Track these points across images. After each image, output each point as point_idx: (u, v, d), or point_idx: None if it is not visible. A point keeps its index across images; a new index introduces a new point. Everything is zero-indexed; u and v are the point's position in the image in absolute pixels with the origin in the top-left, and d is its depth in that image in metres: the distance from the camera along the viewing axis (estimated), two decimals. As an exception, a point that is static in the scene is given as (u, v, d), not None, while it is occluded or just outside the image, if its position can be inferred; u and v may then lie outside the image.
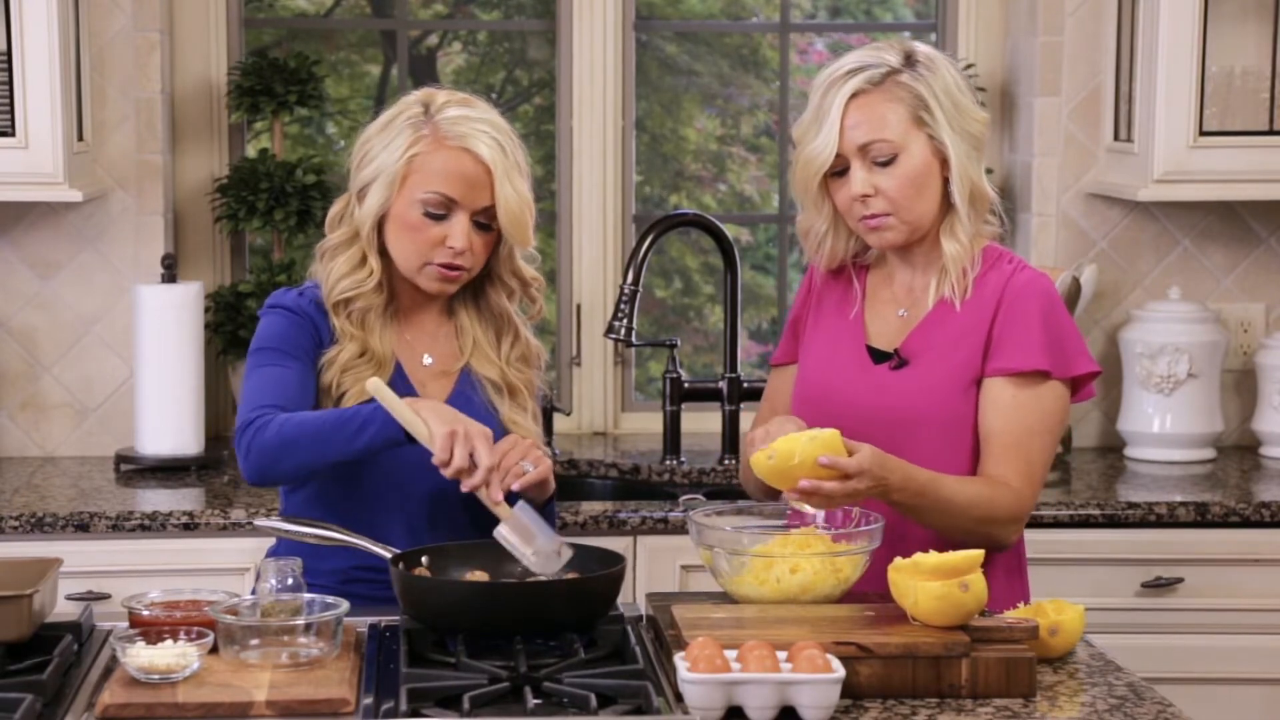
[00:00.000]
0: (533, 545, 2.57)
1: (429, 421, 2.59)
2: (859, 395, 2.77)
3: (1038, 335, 2.71)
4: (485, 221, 2.77)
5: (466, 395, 2.82)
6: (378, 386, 2.61)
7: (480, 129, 2.76)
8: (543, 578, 2.56)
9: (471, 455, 2.57)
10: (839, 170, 2.73)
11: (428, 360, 2.84)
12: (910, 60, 2.73)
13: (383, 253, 2.80)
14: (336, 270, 2.79)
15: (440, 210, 2.74)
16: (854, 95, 2.70)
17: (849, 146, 2.71)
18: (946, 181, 2.74)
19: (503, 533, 2.57)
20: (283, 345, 2.77)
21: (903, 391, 2.74)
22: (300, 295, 2.83)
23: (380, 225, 2.79)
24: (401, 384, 2.79)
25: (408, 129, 2.76)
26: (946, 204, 2.75)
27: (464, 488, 2.58)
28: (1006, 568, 2.77)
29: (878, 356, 2.78)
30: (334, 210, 2.85)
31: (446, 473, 2.58)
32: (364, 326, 2.78)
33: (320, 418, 2.66)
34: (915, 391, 2.73)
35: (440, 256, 2.75)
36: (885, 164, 2.70)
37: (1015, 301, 2.73)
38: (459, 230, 2.75)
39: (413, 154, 2.75)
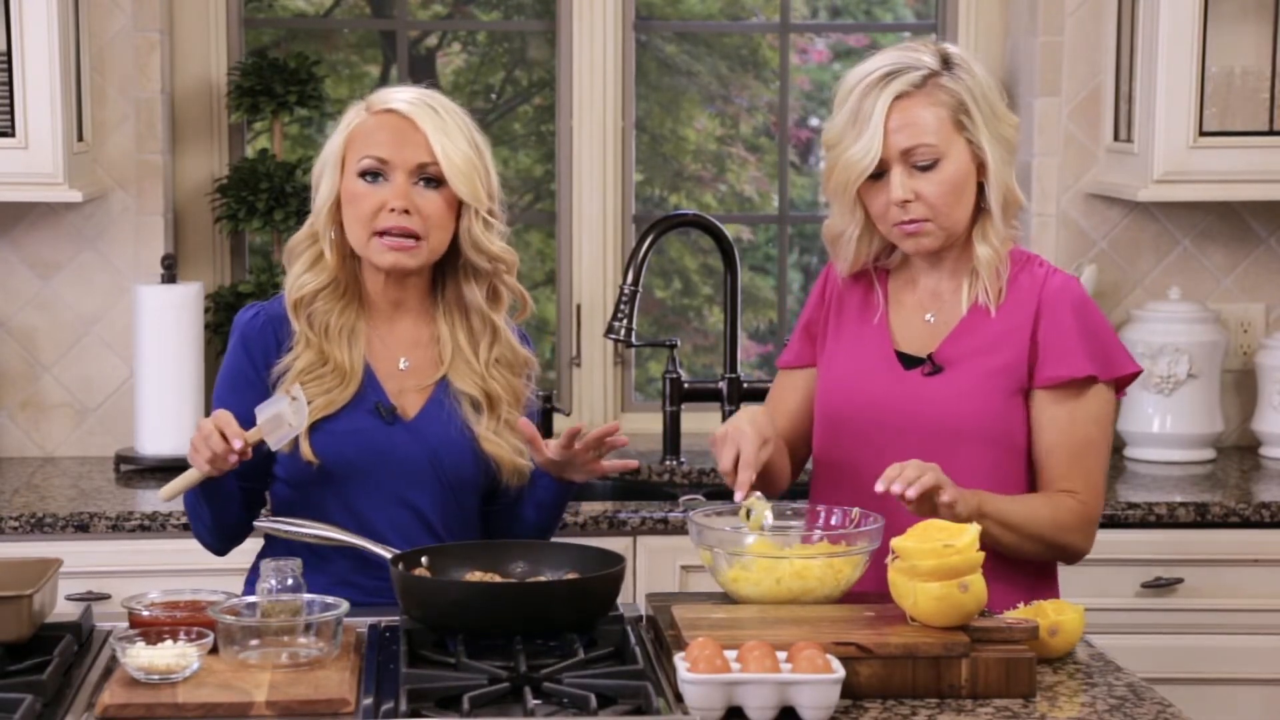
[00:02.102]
0: (281, 420, 2.64)
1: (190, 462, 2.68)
2: (893, 403, 2.73)
3: (1082, 341, 2.69)
4: (431, 177, 2.73)
5: (444, 409, 2.79)
6: (166, 494, 2.71)
7: (407, 96, 2.77)
8: (543, 577, 2.56)
9: (219, 437, 2.62)
10: (875, 174, 2.69)
11: (404, 364, 2.81)
12: (947, 62, 2.69)
13: (352, 255, 2.79)
14: (295, 270, 2.79)
15: (374, 170, 2.73)
16: (896, 98, 2.66)
17: (891, 151, 2.67)
18: (980, 186, 2.72)
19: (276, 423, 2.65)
20: (231, 394, 2.77)
21: (940, 398, 2.71)
22: (256, 316, 2.82)
23: (339, 220, 2.77)
24: (373, 392, 2.77)
25: (347, 117, 2.80)
26: (978, 208, 2.73)
27: (213, 467, 2.64)
28: (1039, 568, 2.77)
29: (908, 362, 2.76)
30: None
31: (208, 468, 2.63)
32: (325, 334, 2.76)
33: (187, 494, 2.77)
34: (953, 398, 2.71)
35: (382, 222, 2.72)
36: (926, 169, 2.67)
37: (1054, 308, 2.70)
38: (395, 190, 2.71)
39: (349, 132, 2.77)
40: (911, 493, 2.50)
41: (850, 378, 2.79)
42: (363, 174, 2.73)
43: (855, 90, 2.69)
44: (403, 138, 2.73)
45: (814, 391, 2.86)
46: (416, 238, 2.72)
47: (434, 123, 2.73)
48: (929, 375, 2.73)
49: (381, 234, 2.72)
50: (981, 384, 2.70)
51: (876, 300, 2.82)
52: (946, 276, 2.78)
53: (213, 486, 2.70)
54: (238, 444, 2.60)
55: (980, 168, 2.70)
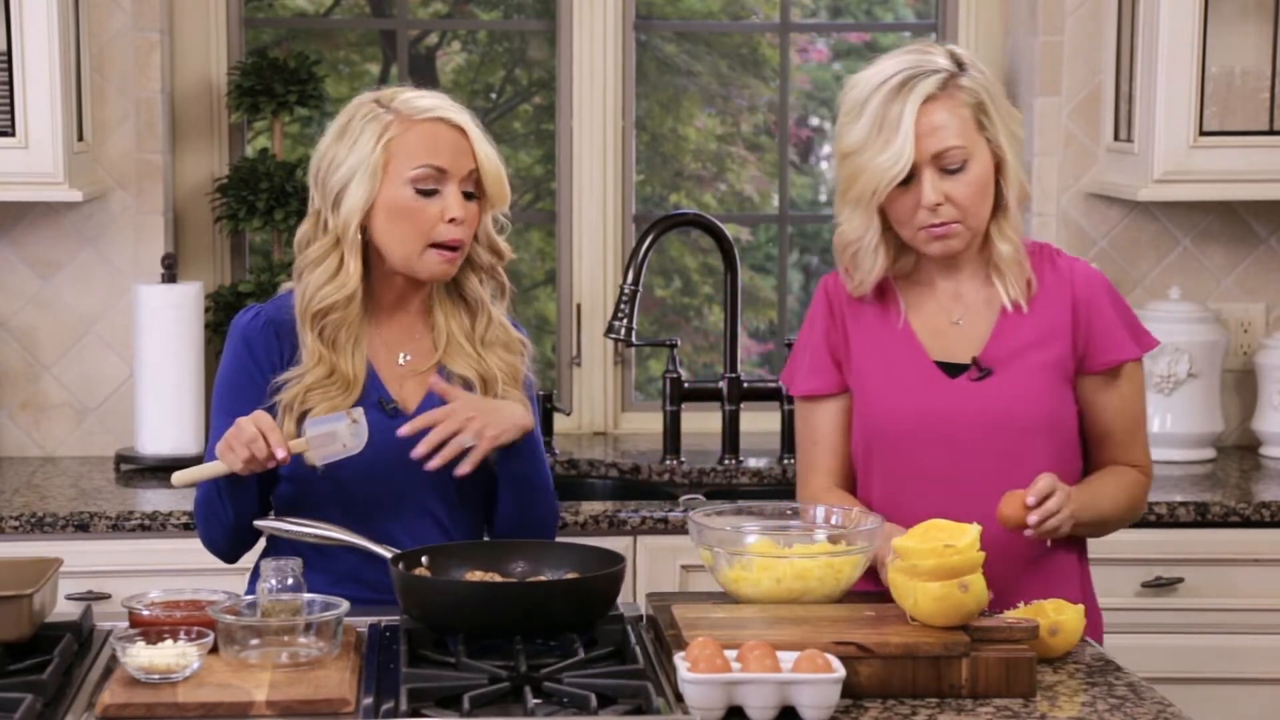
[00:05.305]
0: (335, 439, 2.64)
1: (218, 456, 2.66)
2: (947, 412, 2.72)
3: (1123, 325, 2.78)
4: (470, 189, 2.75)
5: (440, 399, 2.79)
6: (180, 479, 2.71)
7: (437, 102, 2.76)
8: (543, 577, 2.57)
9: (259, 438, 2.61)
10: (902, 179, 2.67)
11: (403, 359, 2.81)
12: (959, 63, 2.70)
13: (365, 258, 2.77)
14: (315, 281, 2.74)
15: (431, 185, 2.71)
16: (924, 102, 2.65)
17: (923, 155, 2.65)
18: (997, 183, 2.72)
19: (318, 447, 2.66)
20: (233, 395, 2.77)
21: (998, 400, 2.71)
22: (256, 317, 2.80)
23: (365, 227, 2.74)
24: (375, 389, 2.77)
25: (371, 123, 2.74)
26: (995, 205, 2.73)
27: (244, 470, 2.64)
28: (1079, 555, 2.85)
29: (951, 370, 2.75)
30: (302, 232, 2.79)
31: (242, 468, 2.63)
32: (334, 346, 2.74)
33: (200, 492, 2.77)
34: (1011, 398, 2.71)
35: (440, 235, 2.71)
36: (956, 171, 2.66)
37: (1091, 298, 2.76)
38: (453, 201, 2.72)
39: (388, 139, 2.72)
40: (1038, 535, 2.62)
41: (894, 394, 2.75)
42: (418, 186, 2.71)
43: (875, 97, 2.66)
44: (456, 147, 2.73)
45: (849, 415, 2.83)
46: (462, 246, 2.75)
47: (475, 130, 2.76)
48: (978, 380, 2.73)
49: (438, 246, 2.72)
50: (1036, 380, 2.72)
51: (895, 310, 2.79)
52: (966, 277, 2.78)
53: (239, 485, 2.70)
54: (280, 453, 2.61)
55: (998, 165, 2.71)
